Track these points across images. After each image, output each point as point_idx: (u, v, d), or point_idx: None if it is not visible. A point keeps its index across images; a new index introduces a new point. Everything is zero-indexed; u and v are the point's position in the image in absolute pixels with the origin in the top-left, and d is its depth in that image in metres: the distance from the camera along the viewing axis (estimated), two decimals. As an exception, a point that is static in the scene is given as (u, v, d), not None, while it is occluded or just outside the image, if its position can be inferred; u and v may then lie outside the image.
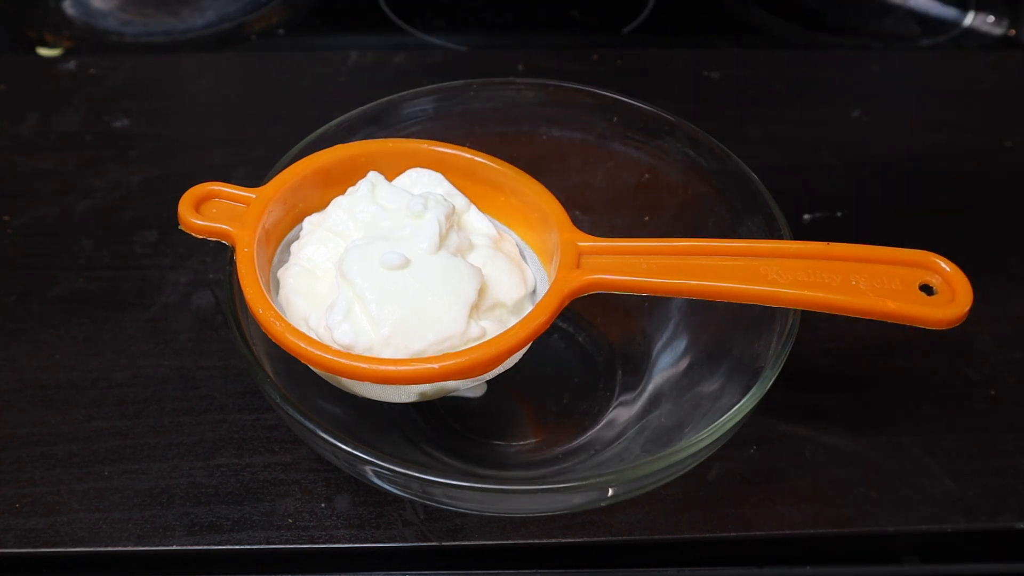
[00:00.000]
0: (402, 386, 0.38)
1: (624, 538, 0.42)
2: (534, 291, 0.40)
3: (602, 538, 0.42)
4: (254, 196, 0.39)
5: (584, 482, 0.37)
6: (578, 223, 0.40)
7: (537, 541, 0.42)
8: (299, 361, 0.36)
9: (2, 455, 0.44)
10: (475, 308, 0.37)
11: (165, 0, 0.76)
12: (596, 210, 0.46)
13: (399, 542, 0.42)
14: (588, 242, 0.39)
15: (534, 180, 0.42)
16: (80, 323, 0.49)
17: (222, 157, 0.59)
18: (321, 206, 0.41)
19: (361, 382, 0.37)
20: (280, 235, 0.41)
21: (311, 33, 0.76)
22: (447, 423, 0.46)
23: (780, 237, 0.41)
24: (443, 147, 0.42)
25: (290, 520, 0.42)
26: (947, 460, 0.45)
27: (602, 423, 0.46)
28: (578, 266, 0.38)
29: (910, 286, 0.36)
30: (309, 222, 0.40)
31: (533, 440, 0.46)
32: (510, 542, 0.42)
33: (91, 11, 0.75)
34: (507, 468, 0.45)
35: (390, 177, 0.41)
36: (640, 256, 0.39)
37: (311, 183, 0.41)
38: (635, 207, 0.48)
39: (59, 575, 0.42)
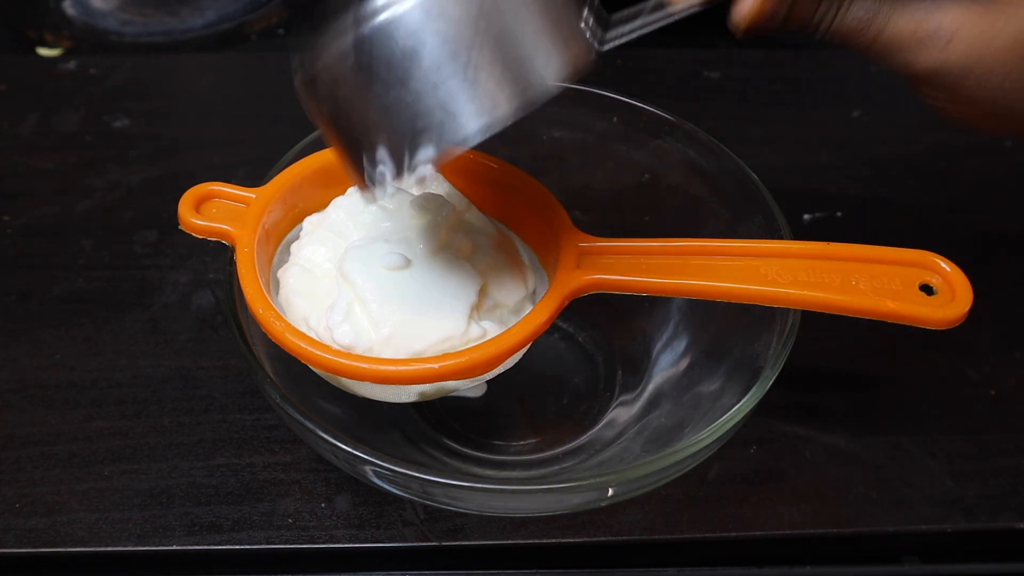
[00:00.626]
0: (402, 386, 0.38)
1: (624, 538, 0.42)
2: (534, 291, 0.40)
3: (602, 538, 0.42)
4: (254, 196, 0.39)
5: (584, 482, 0.37)
6: (578, 223, 0.40)
7: (537, 541, 0.42)
8: (299, 361, 0.36)
9: (2, 455, 0.44)
10: (475, 309, 0.37)
11: (165, 0, 0.76)
12: (596, 210, 0.46)
13: (399, 542, 0.42)
14: (588, 242, 0.39)
15: (534, 180, 0.42)
16: (80, 323, 0.49)
17: (222, 157, 0.59)
18: (321, 206, 0.41)
19: (361, 382, 0.37)
20: (280, 235, 0.41)
21: (311, 33, 0.76)
22: (447, 423, 0.46)
23: (780, 237, 0.41)
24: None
25: (290, 520, 0.42)
26: (947, 460, 0.45)
27: (602, 423, 0.46)
28: (578, 266, 0.38)
29: (910, 286, 0.36)
30: (309, 222, 0.40)
31: (533, 440, 0.46)
32: (510, 542, 0.42)
33: (91, 11, 0.75)
34: (507, 468, 0.45)
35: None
36: (640, 256, 0.39)
37: (311, 183, 0.41)
38: (635, 207, 0.48)
39: (59, 575, 0.42)
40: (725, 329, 0.43)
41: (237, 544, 0.41)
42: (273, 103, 0.64)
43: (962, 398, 0.48)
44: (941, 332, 0.36)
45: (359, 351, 0.35)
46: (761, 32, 0.35)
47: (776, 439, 0.45)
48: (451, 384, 0.38)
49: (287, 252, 0.40)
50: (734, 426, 0.36)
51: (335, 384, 0.39)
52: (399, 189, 0.40)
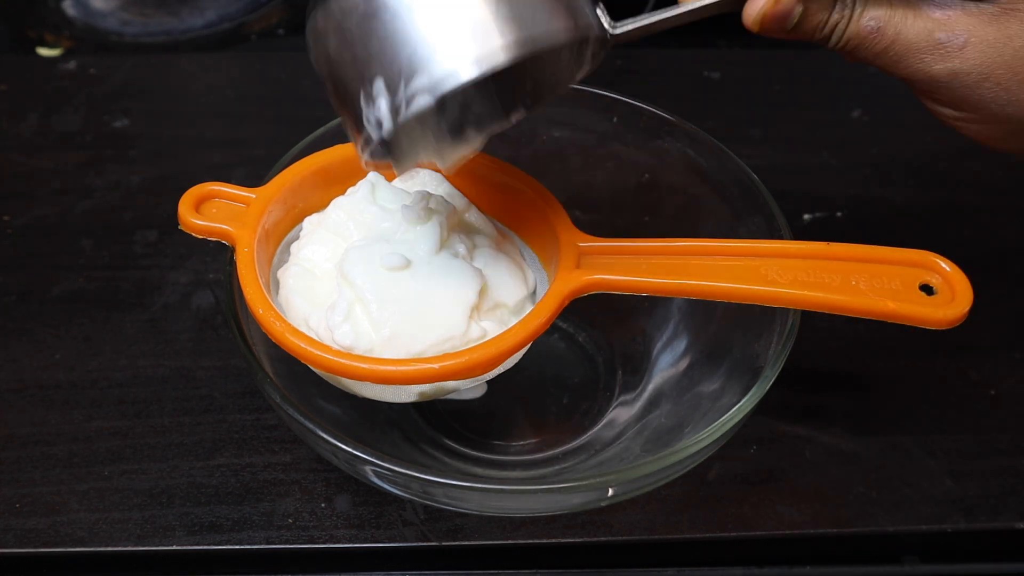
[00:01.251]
0: (402, 386, 0.38)
1: (624, 538, 0.42)
2: (534, 291, 0.40)
3: (602, 538, 0.42)
4: (254, 196, 0.39)
5: (584, 482, 0.37)
6: (578, 223, 0.40)
7: (537, 541, 0.42)
8: (299, 361, 0.36)
9: (2, 455, 0.44)
10: (476, 309, 0.37)
11: (165, 0, 0.76)
12: (596, 210, 0.46)
13: (399, 542, 0.42)
14: (588, 242, 0.39)
15: (534, 180, 0.42)
16: (80, 323, 0.49)
17: (222, 157, 0.59)
18: (321, 206, 0.41)
19: (361, 382, 0.37)
20: (280, 235, 0.41)
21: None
22: (447, 423, 0.46)
23: (780, 237, 0.41)
24: (443, 147, 0.42)
25: (290, 520, 0.42)
26: (947, 460, 0.45)
27: (602, 423, 0.46)
28: (578, 266, 0.38)
29: (910, 286, 0.36)
30: (309, 222, 0.40)
31: (533, 440, 0.46)
32: (510, 542, 0.42)
33: (91, 11, 0.75)
34: (507, 468, 0.45)
35: (390, 178, 0.41)
36: (640, 256, 0.39)
37: (311, 183, 0.41)
38: (635, 207, 0.48)
39: (59, 575, 0.42)
40: (725, 329, 0.43)
41: (237, 544, 0.41)
42: (273, 103, 0.64)
43: (962, 398, 0.48)
44: (941, 332, 0.36)
45: (359, 352, 0.35)
46: (773, 34, 0.35)
47: (776, 439, 0.45)
48: (451, 384, 0.38)
49: (287, 252, 0.40)
50: (734, 426, 0.36)
51: (335, 384, 0.39)
52: (399, 190, 0.40)
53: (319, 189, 0.41)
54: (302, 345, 0.35)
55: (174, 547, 0.41)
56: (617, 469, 0.36)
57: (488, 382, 0.40)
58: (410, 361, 0.35)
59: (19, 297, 0.51)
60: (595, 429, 0.45)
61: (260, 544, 0.41)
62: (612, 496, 0.37)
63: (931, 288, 0.36)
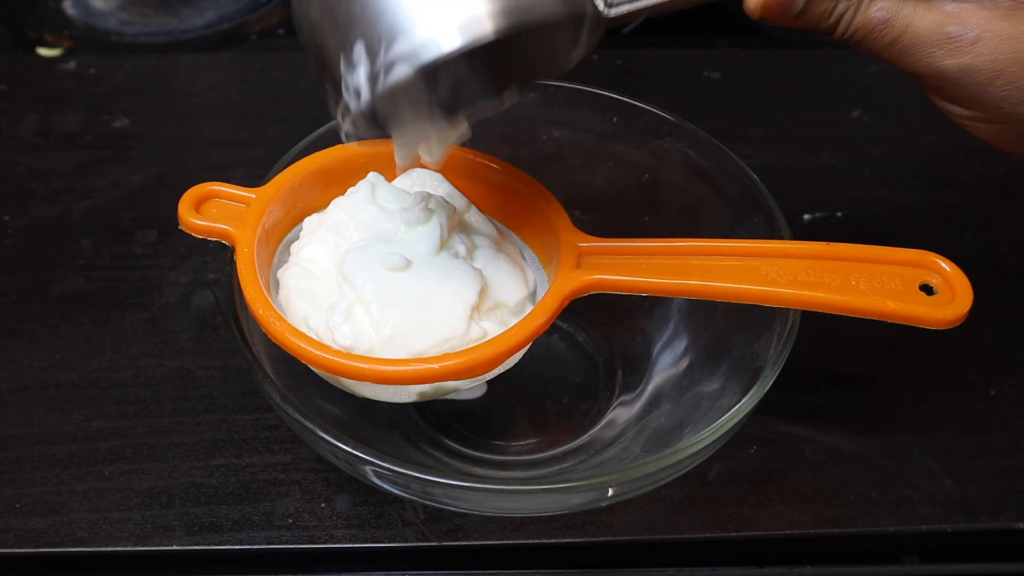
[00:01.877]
0: (402, 386, 0.38)
1: (624, 538, 0.42)
2: (534, 291, 0.40)
3: (602, 538, 0.42)
4: (254, 196, 0.39)
5: (584, 482, 0.37)
6: (578, 223, 0.40)
7: (537, 541, 0.42)
8: (299, 361, 0.36)
9: (2, 455, 0.44)
10: (476, 309, 0.37)
11: (165, 0, 0.76)
12: (596, 210, 0.46)
13: (399, 542, 0.42)
14: (588, 242, 0.39)
15: (534, 180, 0.42)
16: (80, 323, 0.49)
17: (222, 157, 0.59)
18: (321, 206, 0.41)
19: (361, 382, 0.37)
20: (280, 235, 0.41)
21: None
22: (447, 423, 0.46)
23: (780, 237, 0.41)
24: (443, 147, 0.42)
25: (290, 520, 0.42)
26: (947, 460, 0.45)
27: (602, 423, 0.46)
28: (578, 266, 0.38)
29: (910, 286, 0.36)
30: (309, 222, 0.40)
31: (533, 440, 0.46)
32: (510, 542, 0.42)
33: (91, 11, 0.75)
34: (507, 468, 0.45)
35: (390, 178, 0.41)
36: (640, 256, 0.39)
37: (311, 183, 0.41)
38: (635, 207, 0.48)
39: (59, 575, 0.42)
40: (725, 329, 0.43)
41: (237, 544, 0.41)
42: (273, 103, 0.64)
43: (962, 398, 0.48)
44: (941, 332, 0.36)
45: (359, 352, 0.35)
46: (776, 22, 0.33)
47: (776, 439, 0.45)
48: (451, 384, 0.38)
49: (287, 252, 0.40)
50: (734, 426, 0.36)
51: (335, 384, 0.39)
52: (399, 190, 0.40)
53: (319, 189, 0.41)
54: (302, 345, 0.35)
55: (174, 547, 0.41)
56: (617, 469, 0.36)
57: (488, 382, 0.40)
58: (410, 361, 0.35)
59: (19, 297, 0.51)
60: (595, 429, 0.45)
61: (260, 544, 0.41)
62: (612, 496, 0.37)
63: (931, 288, 0.36)
